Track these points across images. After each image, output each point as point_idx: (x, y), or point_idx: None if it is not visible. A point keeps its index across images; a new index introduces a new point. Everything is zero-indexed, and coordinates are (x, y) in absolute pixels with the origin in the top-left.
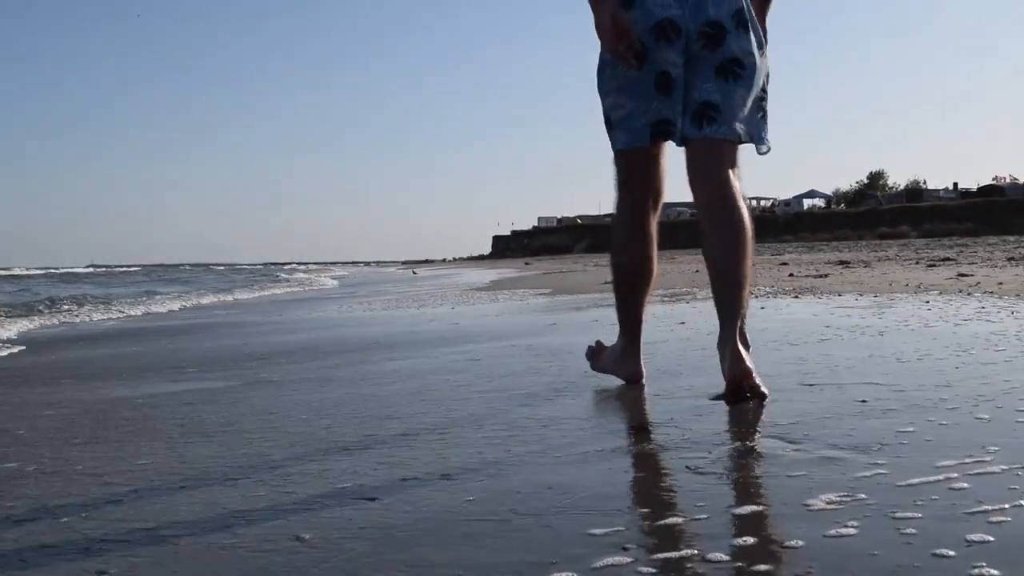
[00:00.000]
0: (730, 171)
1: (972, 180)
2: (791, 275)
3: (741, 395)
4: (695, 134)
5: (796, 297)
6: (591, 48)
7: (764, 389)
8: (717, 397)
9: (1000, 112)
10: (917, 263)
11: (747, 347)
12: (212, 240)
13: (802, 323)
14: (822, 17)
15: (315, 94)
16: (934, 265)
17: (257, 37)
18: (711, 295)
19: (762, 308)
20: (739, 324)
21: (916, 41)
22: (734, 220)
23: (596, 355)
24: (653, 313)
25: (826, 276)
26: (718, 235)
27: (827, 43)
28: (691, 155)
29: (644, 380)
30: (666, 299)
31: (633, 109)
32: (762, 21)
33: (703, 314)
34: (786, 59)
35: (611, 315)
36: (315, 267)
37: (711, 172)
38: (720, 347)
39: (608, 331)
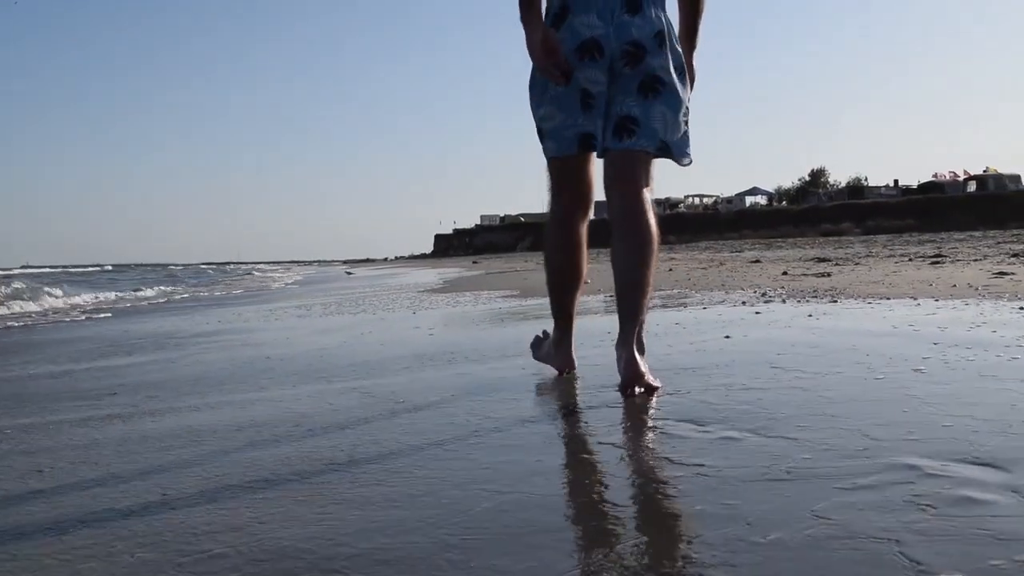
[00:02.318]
0: (643, 183)
1: (912, 178)
2: (784, 273)
3: (631, 392)
4: (616, 145)
5: (833, 301)
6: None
7: (656, 383)
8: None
9: (939, 111)
10: (911, 260)
11: (642, 351)
12: (156, 241)
13: (905, 339)
14: (763, 15)
15: (259, 95)
16: (938, 262)
17: (201, 37)
18: (615, 299)
19: (809, 316)
20: (637, 328)
21: (857, 40)
22: (643, 231)
23: (538, 346)
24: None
25: (829, 275)
26: (627, 244)
27: (769, 41)
28: (609, 165)
29: (576, 370)
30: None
31: (562, 121)
32: (689, 61)
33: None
34: (729, 56)
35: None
36: (266, 267)
37: (627, 183)
38: (617, 348)
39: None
